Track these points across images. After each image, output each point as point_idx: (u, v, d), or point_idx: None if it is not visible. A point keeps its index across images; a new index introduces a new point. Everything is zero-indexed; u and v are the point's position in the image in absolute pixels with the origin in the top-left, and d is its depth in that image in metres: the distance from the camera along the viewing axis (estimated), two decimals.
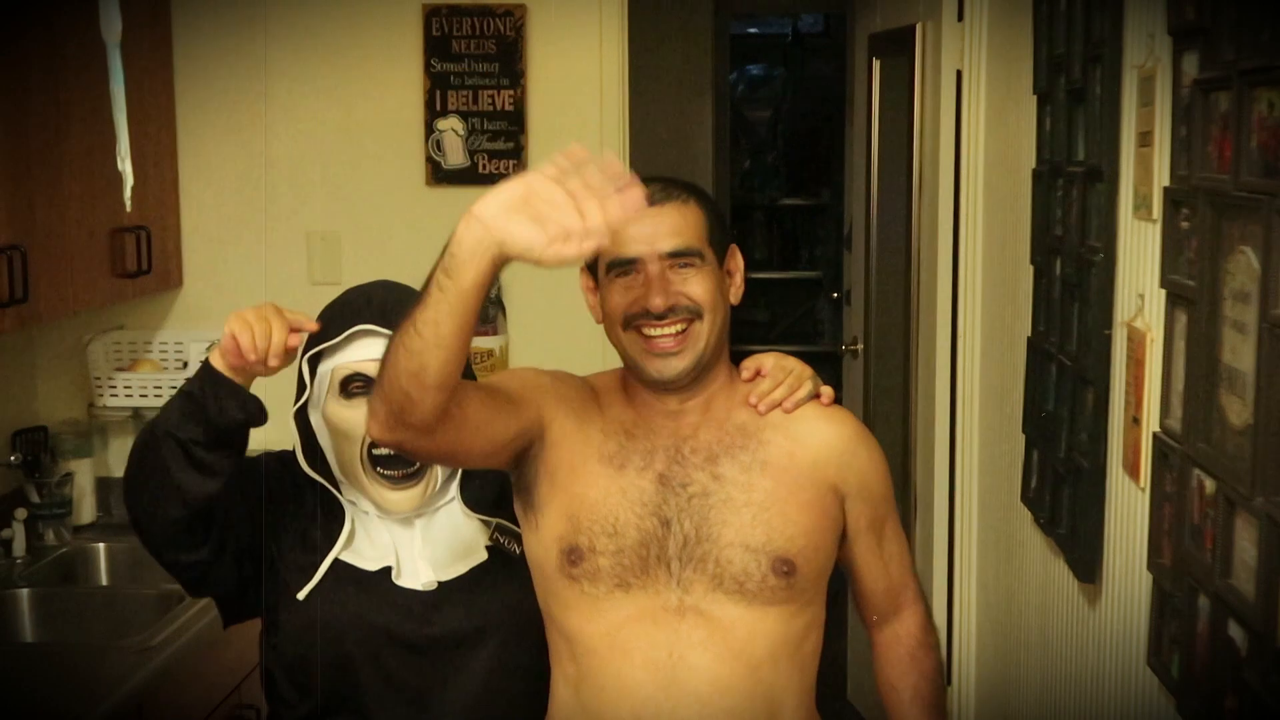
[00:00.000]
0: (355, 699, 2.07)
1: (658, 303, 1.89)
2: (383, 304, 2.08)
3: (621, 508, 1.91)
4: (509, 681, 2.09)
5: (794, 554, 1.90)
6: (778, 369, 2.04)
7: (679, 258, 1.91)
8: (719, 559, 1.89)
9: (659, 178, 1.99)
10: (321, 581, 2.07)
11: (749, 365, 2.06)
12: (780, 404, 2.00)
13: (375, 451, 2.05)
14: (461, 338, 1.64)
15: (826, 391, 2.05)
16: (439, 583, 2.08)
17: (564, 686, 1.97)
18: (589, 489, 1.92)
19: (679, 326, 1.91)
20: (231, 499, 2.04)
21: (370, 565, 2.09)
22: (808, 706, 1.99)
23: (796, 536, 1.91)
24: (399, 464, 2.05)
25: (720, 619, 1.89)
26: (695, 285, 1.91)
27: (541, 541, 1.95)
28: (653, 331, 1.92)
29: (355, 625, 2.05)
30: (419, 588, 2.08)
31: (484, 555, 2.11)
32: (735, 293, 2.00)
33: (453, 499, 2.13)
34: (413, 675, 2.06)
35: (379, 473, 2.07)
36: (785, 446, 1.96)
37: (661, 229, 1.90)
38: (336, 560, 2.09)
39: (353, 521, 2.11)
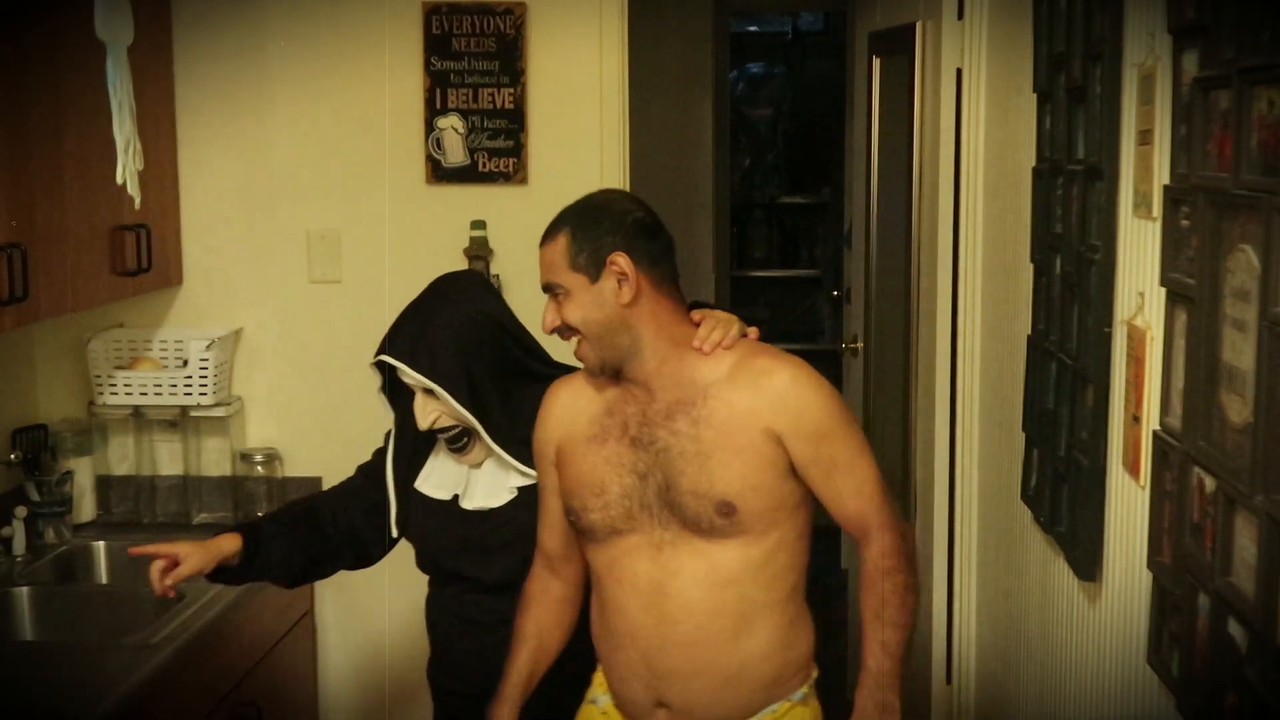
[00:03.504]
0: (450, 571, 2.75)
1: (543, 328, 2.36)
2: (403, 339, 2.62)
3: (604, 472, 2.35)
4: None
5: (732, 496, 2.26)
6: (711, 318, 2.39)
7: (550, 291, 2.34)
8: (680, 504, 2.29)
9: (566, 208, 2.38)
10: (412, 509, 2.74)
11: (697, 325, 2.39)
12: (720, 343, 2.34)
13: (437, 434, 2.65)
14: None
15: (751, 331, 2.41)
16: (489, 509, 2.66)
17: (594, 598, 2.46)
18: (580, 465, 2.39)
19: (575, 339, 2.35)
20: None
21: (443, 495, 2.71)
22: (782, 610, 2.35)
23: (733, 480, 2.26)
24: (452, 441, 2.65)
25: (692, 550, 2.30)
26: (567, 311, 2.32)
27: (561, 507, 2.47)
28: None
29: (438, 535, 2.72)
30: (475, 508, 2.68)
31: (516, 492, 2.66)
32: (626, 292, 2.30)
33: (498, 452, 2.64)
34: (478, 552, 2.68)
35: (444, 443, 2.68)
36: (726, 398, 2.30)
37: (542, 267, 2.34)
38: (417, 492, 2.74)
39: (431, 464, 2.75)
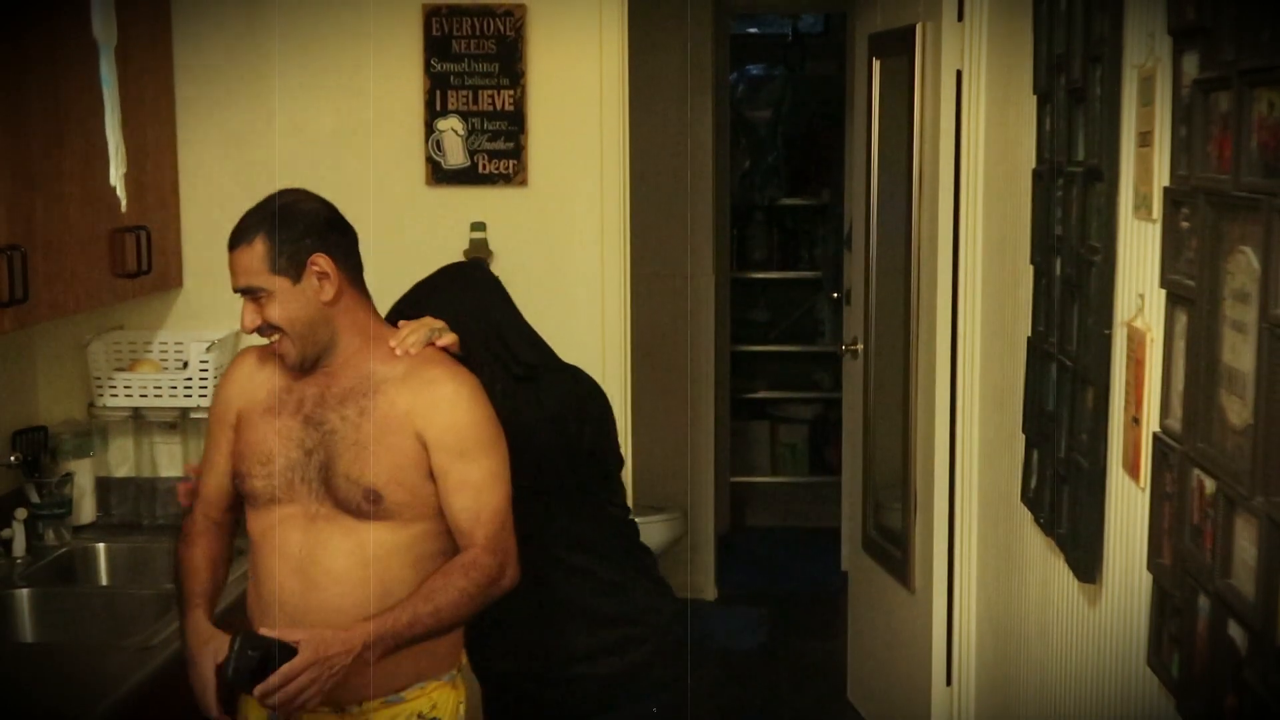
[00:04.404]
0: None
1: (243, 328, 2.45)
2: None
3: (273, 443, 2.47)
4: None
5: (379, 486, 2.40)
6: (410, 325, 2.52)
7: (248, 293, 2.43)
8: (335, 484, 2.42)
9: (251, 210, 2.47)
10: None
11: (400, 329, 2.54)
12: (409, 348, 2.47)
13: None
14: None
15: (446, 340, 2.53)
16: None
17: (250, 567, 2.57)
18: (253, 434, 2.51)
19: (273, 337, 2.45)
20: None
21: None
22: (423, 578, 2.41)
23: (381, 473, 2.40)
24: None
25: (342, 526, 2.42)
26: (269, 310, 2.42)
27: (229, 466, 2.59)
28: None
29: None
30: None
31: None
32: (328, 289, 2.42)
33: None
34: None
35: None
36: (391, 396, 2.44)
37: (235, 271, 2.45)
38: None
39: None
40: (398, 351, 2.47)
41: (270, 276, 2.41)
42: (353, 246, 2.50)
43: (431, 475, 2.43)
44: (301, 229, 2.42)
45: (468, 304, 2.76)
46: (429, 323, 2.54)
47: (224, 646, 2.38)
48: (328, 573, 2.42)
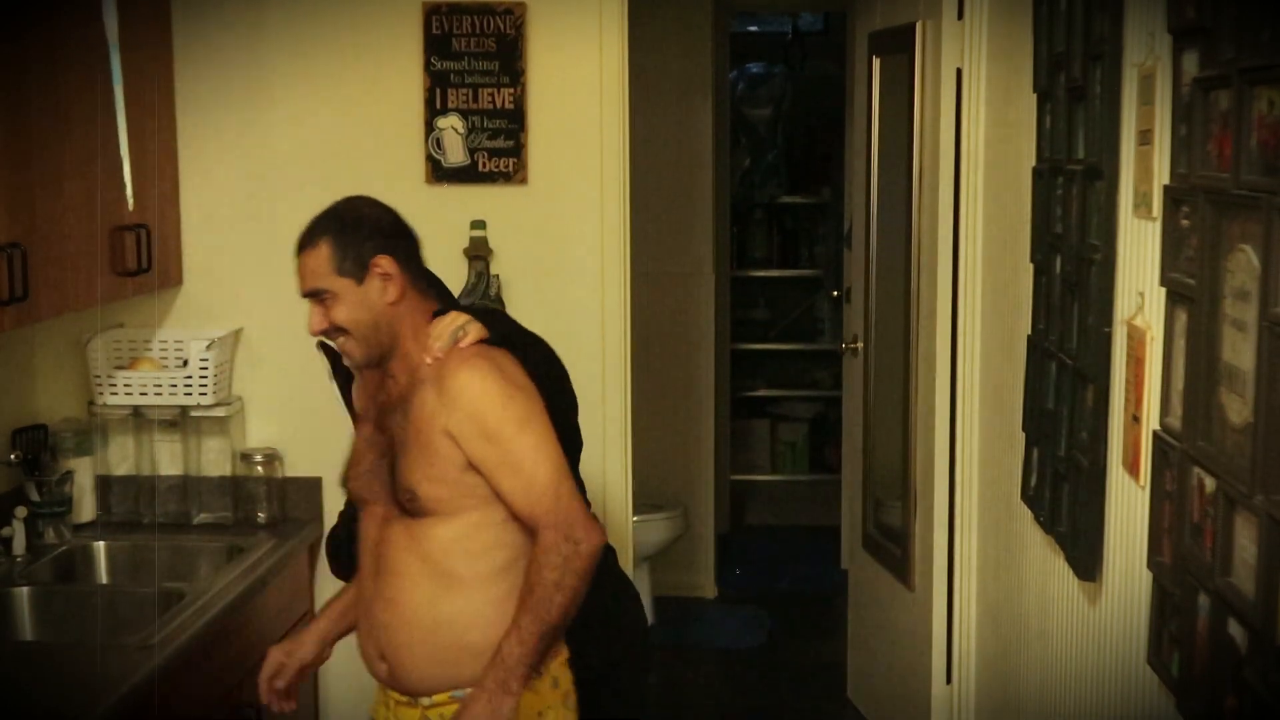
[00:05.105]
0: None
1: (310, 330, 2.53)
2: None
3: (362, 448, 2.63)
4: None
5: (413, 486, 2.49)
6: (437, 323, 2.54)
7: (314, 296, 2.50)
8: (394, 485, 2.52)
9: (317, 216, 2.53)
10: None
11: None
12: (436, 350, 2.50)
13: None
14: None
15: (471, 337, 2.51)
16: None
17: None
18: (355, 440, 2.68)
19: (339, 339, 2.52)
20: None
21: None
22: (491, 584, 2.50)
23: (415, 472, 2.49)
24: None
25: (402, 523, 2.53)
26: (335, 312, 2.49)
27: None
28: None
29: None
30: None
31: None
32: (391, 291, 2.49)
33: None
34: None
35: None
36: (423, 396, 2.49)
37: (302, 275, 2.52)
38: None
39: None
40: (428, 359, 2.51)
41: (335, 278, 2.47)
42: (414, 250, 2.57)
43: (472, 467, 2.46)
44: (365, 232, 2.49)
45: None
46: (454, 319, 2.54)
47: (304, 650, 2.70)
48: (390, 566, 2.54)
